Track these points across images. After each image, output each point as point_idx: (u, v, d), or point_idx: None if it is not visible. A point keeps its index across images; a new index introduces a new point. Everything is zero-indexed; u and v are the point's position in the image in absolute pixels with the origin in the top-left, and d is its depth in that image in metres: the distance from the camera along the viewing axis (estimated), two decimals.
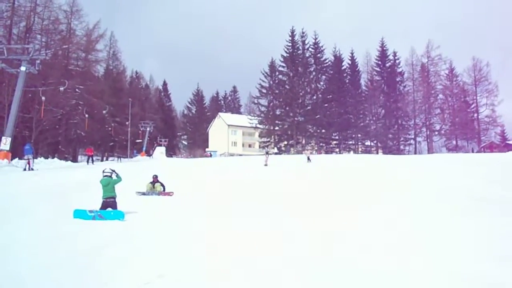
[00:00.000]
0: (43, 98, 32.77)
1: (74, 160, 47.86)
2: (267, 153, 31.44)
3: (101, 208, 9.40)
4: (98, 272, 5.41)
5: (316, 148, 62.46)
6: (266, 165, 28.09)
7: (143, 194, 13.99)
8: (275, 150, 70.43)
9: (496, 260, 5.71)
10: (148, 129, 71.35)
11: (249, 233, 7.79)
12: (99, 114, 53.62)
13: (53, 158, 36.21)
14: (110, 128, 56.95)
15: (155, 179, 14.63)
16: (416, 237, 7.38)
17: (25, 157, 24.25)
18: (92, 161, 34.95)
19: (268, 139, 74.08)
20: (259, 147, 79.97)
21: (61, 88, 38.47)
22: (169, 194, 13.95)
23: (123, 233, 7.84)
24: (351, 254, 6.17)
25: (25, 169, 23.36)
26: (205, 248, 6.70)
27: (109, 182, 9.65)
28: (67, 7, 49.40)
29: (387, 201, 11.81)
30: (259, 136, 77.07)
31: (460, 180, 17.36)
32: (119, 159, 52.13)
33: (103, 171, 9.90)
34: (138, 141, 69.37)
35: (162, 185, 14.46)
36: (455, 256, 5.97)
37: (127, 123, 61.77)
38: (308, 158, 31.63)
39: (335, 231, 7.92)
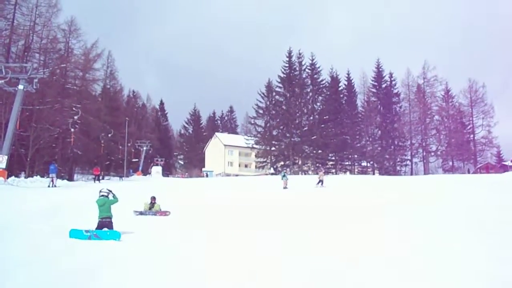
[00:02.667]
0: (20, 108, 32.32)
1: (70, 178, 47.49)
2: (284, 176, 28.70)
3: (97, 228, 9.31)
4: None
5: (312, 168, 62.03)
6: (286, 187, 27.17)
7: (141, 213, 14.04)
8: (272, 170, 70.15)
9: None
10: (144, 148, 71.35)
11: (249, 253, 7.69)
12: (95, 133, 53.47)
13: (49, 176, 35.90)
14: (103, 145, 56.68)
15: (153, 201, 14.62)
16: (417, 262, 7.31)
17: (50, 175, 27.94)
18: (99, 180, 37.91)
19: (265, 160, 73.96)
20: (255, 167, 79.82)
21: (75, 117, 40.21)
22: (165, 213, 13.97)
23: (119, 254, 7.74)
24: (352, 279, 6.10)
25: (49, 186, 26.95)
26: (204, 269, 6.60)
27: (105, 202, 9.60)
28: (66, 26, 49.24)
29: (389, 222, 11.74)
30: (256, 156, 76.85)
31: (458, 202, 17.32)
32: (120, 178, 52.42)
33: (100, 191, 9.86)
34: (134, 160, 69.20)
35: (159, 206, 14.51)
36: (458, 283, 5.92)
37: (128, 144, 61.71)
38: (321, 181, 28.74)
39: (334, 254, 7.84)
